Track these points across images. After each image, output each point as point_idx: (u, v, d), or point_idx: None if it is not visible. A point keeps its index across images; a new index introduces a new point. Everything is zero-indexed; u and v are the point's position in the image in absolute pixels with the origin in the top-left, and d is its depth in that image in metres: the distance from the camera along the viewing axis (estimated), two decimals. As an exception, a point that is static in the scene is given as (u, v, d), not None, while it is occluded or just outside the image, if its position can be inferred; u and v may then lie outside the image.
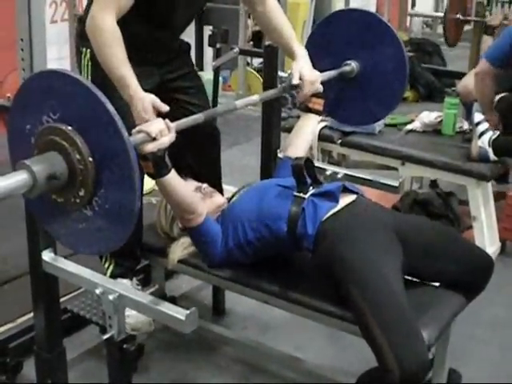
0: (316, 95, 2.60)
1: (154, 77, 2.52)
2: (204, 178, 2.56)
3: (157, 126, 1.98)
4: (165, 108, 2.13)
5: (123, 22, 2.20)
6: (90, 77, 2.48)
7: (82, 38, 2.46)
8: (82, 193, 1.74)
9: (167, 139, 1.99)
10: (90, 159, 1.69)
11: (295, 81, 2.50)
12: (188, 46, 2.74)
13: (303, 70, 2.52)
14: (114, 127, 1.66)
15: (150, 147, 1.96)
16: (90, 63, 2.46)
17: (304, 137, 2.66)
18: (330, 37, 2.71)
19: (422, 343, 1.99)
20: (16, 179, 1.65)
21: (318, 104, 2.63)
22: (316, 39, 2.67)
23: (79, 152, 1.69)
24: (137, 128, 1.97)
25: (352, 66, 2.74)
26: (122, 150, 1.66)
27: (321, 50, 2.60)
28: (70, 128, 1.69)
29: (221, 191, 2.69)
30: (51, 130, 1.72)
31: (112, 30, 2.17)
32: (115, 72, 2.16)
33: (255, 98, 2.48)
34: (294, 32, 2.63)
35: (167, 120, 2.03)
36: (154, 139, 1.96)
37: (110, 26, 2.17)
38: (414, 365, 1.94)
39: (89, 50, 2.42)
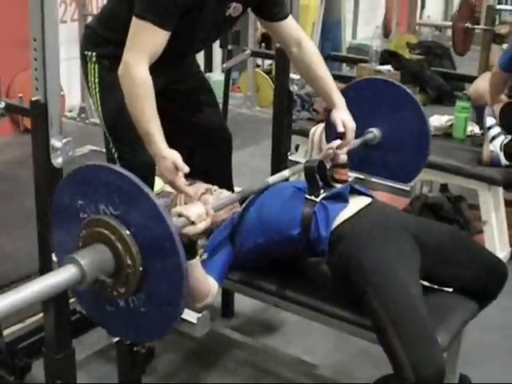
0: (341, 165, 2.59)
1: (160, 79, 2.50)
2: (215, 181, 2.55)
3: (196, 210, 1.91)
4: (185, 169, 2.11)
5: None
6: (97, 78, 2.48)
7: (87, 43, 2.46)
8: (122, 290, 1.68)
9: (204, 224, 1.92)
10: (141, 268, 1.63)
11: (340, 129, 2.50)
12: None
13: (345, 119, 2.52)
14: (161, 221, 1.60)
15: (189, 231, 1.89)
16: (96, 66, 2.45)
17: None
18: (352, 105, 2.69)
19: (439, 351, 1.97)
20: (65, 275, 1.58)
21: (344, 174, 2.61)
22: None
23: (132, 258, 1.63)
24: (177, 210, 1.92)
25: (374, 133, 2.75)
26: (169, 240, 1.60)
27: None
28: (127, 232, 1.63)
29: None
30: (108, 225, 1.65)
31: (144, 82, 2.15)
32: (143, 126, 2.15)
33: (287, 172, 2.44)
34: (332, 79, 2.61)
35: (207, 206, 1.98)
36: (193, 223, 1.89)
37: (144, 76, 2.15)
38: (430, 372, 1.91)
39: (94, 54, 2.41)
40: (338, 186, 2.40)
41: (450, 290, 2.29)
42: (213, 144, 2.71)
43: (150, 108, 2.15)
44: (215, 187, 2.51)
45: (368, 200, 2.33)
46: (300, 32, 2.58)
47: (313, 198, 2.25)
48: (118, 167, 1.68)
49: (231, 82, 4.36)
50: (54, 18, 1.99)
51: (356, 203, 2.29)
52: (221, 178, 2.71)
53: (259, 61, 7.12)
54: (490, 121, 3.61)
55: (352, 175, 2.87)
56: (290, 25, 2.54)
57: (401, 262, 2.11)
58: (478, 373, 2.64)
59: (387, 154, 2.78)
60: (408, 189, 2.79)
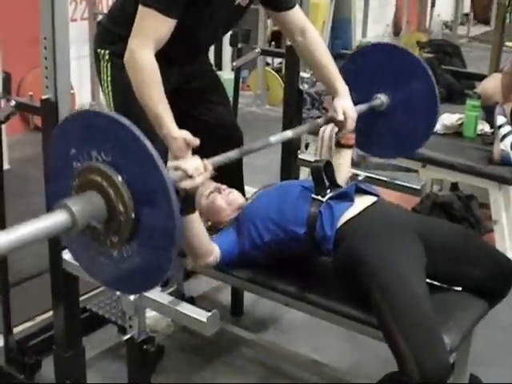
0: None
1: (173, 77, 2.51)
2: (226, 180, 2.55)
3: (193, 163, 1.93)
4: (196, 142, 2.11)
5: None
6: (110, 77, 2.48)
7: (100, 41, 2.46)
8: (115, 239, 1.68)
9: (202, 178, 1.94)
10: (133, 215, 1.62)
11: (340, 117, 2.49)
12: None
13: (346, 108, 2.50)
14: (154, 167, 1.58)
15: (186, 185, 1.91)
16: (109, 64, 2.45)
17: (341, 174, 2.62)
18: (360, 70, 2.70)
19: (444, 348, 1.97)
20: (55, 219, 1.56)
21: (350, 139, 2.62)
22: (346, 73, 2.65)
23: (124, 205, 1.61)
24: (173, 164, 1.92)
25: (381, 99, 2.72)
26: (163, 194, 1.59)
27: (351, 83, 2.58)
28: (120, 179, 1.61)
29: (243, 194, 2.68)
30: (101, 171, 1.64)
31: (151, 67, 2.15)
32: (152, 110, 2.15)
33: (289, 133, 2.44)
34: (336, 67, 2.59)
35: (205, 160, 1.98)
36: (191, 177, 1.91)
37: (149, 62, 2.15)
38: (434, 370, 1.91)
39: (107, 52, 2.41)
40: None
41: (459, 288, 2.29)
42: (224, 143, 2.69)
43: (158, 92, 2.15)
44: (224, 186, 2.51)
45: (373, 199, 2.33)
46: (306, 22, 2.58)
47: (319, 197, 2.25)
48: (110, 113, 1.68)
49: (241, 80, 4.36)
50: (64, 16, 2.00)
51: (361, 202, 2.29)
52: (231, 177, 2.70)
53: (269, 59, 7.11)
54: (500, 119, 3.60)
55: (362, 174, 2.87)
56: (296, 14, 2.54)
57: (405, 259, 2.11)
58: (488, 373, 2.63)
59: (395, 121, 2.75)
60: (418, 187, 2.78)
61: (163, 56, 2.21)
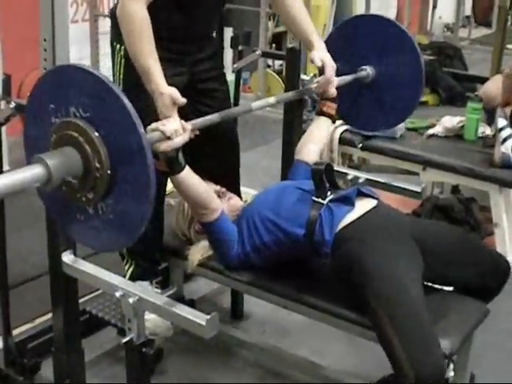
0: (330, 99, 2.60)
1: (183, 76, 2.50)
2: (222, 183, 2.54)
3: (172, 125, 1.97)
4: (182, 100, 2.11)
5: (152, 8, 2.17)
6: (122, 75, 2.45)
7: (115, 33, 2.40)
8: (90, 196, 1.71)
9: (181, 139, 1.98)
10: (109, 172, 1.66)
11: (318, 64, 2.50)
12: (221, 46, 2.71)
13: (324, 57, 2.52)
14: (131, 125, 1.62)
15: (164, 146, 1.95)
16: (123, 60, 2.42)
17: (317, 140, 2.64)
18: (347, 42, 2.71)
19: (439, 352, 1.97)
20: (31, 173, 1.61)
21: (332, 108, 2.63)
22: (332, 43, 2.65)
23: (100, 161, 1.65)
24: (152, 126, 1.95)
25: (367, 71, 2.73)
26: (139, 151, 1.62)
27: (337, 55, 2.58)
28: (96, 134, 1.65)
29: (239, 196, 2.67)
30: (77, 127, 1.67)
31: (141, 19, 2.14)
32: (141, 63, 2.14)
33: (272, 99, 2.46)
34: (311, 23, 2.62)
35: (183, 121, 2.02)
36: (169, 138, 1.95)
37: (139, 14, 2.14)
38: (429, 374, 1.92)
39: (123, 47, 2.37)
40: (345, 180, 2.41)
41: (451, 288, 2.30)
42: (221, 149, 2.70)
43: (149, 45, 2.14)
44: (224, 190, 2.51)
45: (374, 202, 2.33)
46: None
47: (320, 200, 2.25)
48: (91, 67, 1.68)
49: (242, 82, 4.35)
50: (64, 17, 1.98)
51: (362, 206, 2.29)
52: (229, 182, 2.68)
53: (270, 61, 7.11)
54: (501, 122, 3.59)
55: (362, 176, 2.87)
56: None
57: (402, 264, 2.12)
58: (486, 375, 2.63)
59: (380, 94, 2.76)
60: (419, 190, 2.78)
61: (171, 47, 2.21)
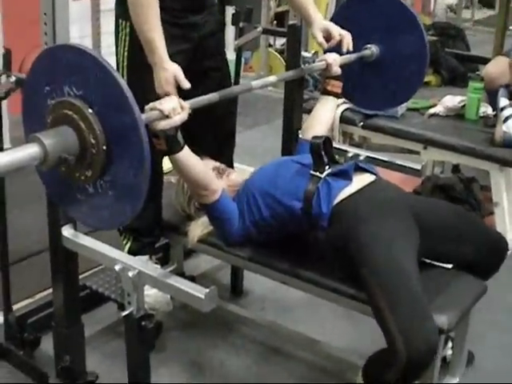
0: (334, 77, 2.60)
1: (186, 54, 2.48)
2: (217, 155, 2.54)
3: (170, 103, 1.96)
4: (186, 85, 2.11)
5: None
6: (126, 52, 2.43)
7: (121, 9, 2.38)
8: (88, 173, 1.72)
9: (179, 118, 1.97)
10: (104, 147, 1.66)
11: (319, 39, 2.50)
12: (223, 24, 2.70)
13: (325, 25, 2.52)
14: (126, 104, 1.62)
15: (162, 125, 1.95)
16: (128, 38, 2.40)
17: (323, 120, 2.64)
18: (351, 20, 2.68)
19: (431, 326, 1.98)
20: (28, 152, 1.62)
21: (337, 87, 2.63)
22: (336, 22, 2.64)
23: (95, 137, 1.66)
24: (150, 105, 1.95)
25: (372, 49, 2.72)
26: (133, 127, 1.63)
27: None
28: (90, 111, 1.66)
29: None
30: (72, 105, 1.68)
31: None
32: (145, 34, 2.15)
33: (272, 78, 2.45)
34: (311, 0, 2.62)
35: (181, 99, 2.01)
36: (167, 117, 1.94)
37: None
38: (421, 347, 1.93)
39: (128, 24, 2.35)
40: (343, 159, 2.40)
41: (450, 266, 2.30)
42: (220, 127, 2.69)
43: (154, 17, 2.15)
44: (223, 166, 2.52)
45: (372, 178, 2.34)
46: None
47: (317, 174, 2.26)
48: (82, 45, 1.69)
49: (244, 61, 4.34)
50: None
51: (359, 181, 2.30)
52: (223, 158, 2.67)
53: (271, 40, 7.08)
54: (503, 102, 3.58)
55: (363, 154, 2.87)
56: None
57: (398, 239, 2.13)
58: (485, 354, 2.65)
59: (385, 73, 2.75)
60: (419, 168, 2.78)
61: (171, 18, 2.22)
